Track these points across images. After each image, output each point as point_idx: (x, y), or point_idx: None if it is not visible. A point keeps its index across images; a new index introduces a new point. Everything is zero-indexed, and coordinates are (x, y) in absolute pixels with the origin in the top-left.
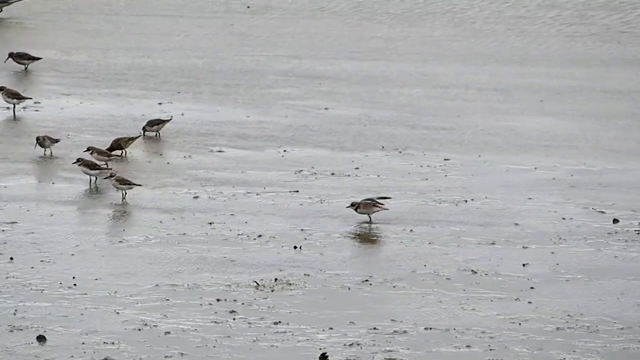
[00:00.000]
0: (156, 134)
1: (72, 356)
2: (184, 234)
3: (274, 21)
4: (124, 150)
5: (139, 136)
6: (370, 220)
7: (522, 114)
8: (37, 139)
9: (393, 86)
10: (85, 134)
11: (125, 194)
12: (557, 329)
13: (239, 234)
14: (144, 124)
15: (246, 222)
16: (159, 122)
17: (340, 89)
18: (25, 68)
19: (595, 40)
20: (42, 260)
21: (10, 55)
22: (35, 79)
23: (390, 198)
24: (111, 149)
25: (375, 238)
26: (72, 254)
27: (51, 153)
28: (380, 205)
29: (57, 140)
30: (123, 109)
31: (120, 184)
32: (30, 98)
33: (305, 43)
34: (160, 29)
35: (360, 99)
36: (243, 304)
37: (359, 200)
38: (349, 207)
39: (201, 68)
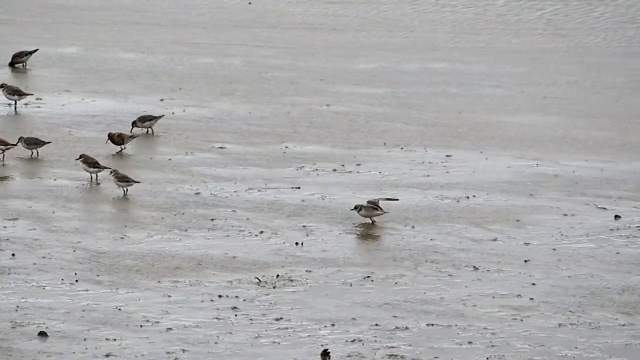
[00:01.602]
0: (147, 130)
1: (73, 352)
2: (186, 230)
3: (278, 24)
4: (123, 146)
5: (137, 136)
6: (373, 222)
7: (524, 111)
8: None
9: (394, 83)
10: (87, 130)
11: (127, 190)
12: (559, 325)
13: (240, 230)
14: (135, 119)
15: (248, 219)
16: (151, 119)
17: (342, 85)
18: (24, 65)
19: (598, 36)
20: (43, 257)
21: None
22: (37, 76)
23: (397, 200)
24: (113, 141)
25: (377, 234)
26: (74, 250)
27: (37, 153)
28: (381, 210)
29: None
30: (124, 105)
31: (120, 181)
32: (32, 94)
33: (307, 41)
34: (162, 26)
35: (361, 95)
36: (245, 300)
37: (364, 201)
38: (352, 209)
39: (203, 64)
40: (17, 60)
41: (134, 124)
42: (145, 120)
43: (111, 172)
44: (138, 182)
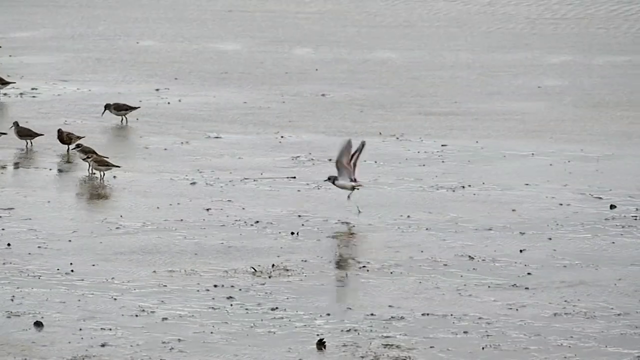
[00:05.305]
0: (122, 119)
1: (69, 342)
2: (181, 220)
3: (274, 11)
4: (70, 146)
5: (83, 137)
6: (349, 197)
7: (519, 100)
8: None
9: (391, 72)
10: (82, 120)
11: (104, 174)
12: (555, 314)
13: (236, 220)
14: (110, 104)
15: (243, 208)
16: (127, 108)
17: (337, 74)
18: None
19: (593, 25)
20: (39, 247)
21: None
22: (32, 64)
23: (364, 142)
24: (61, 140)
25: (372, 224)
26: (70, 240)
27: (31, 144)
28: (357, 182)
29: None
30: (120, 95)
31: (99, 165)
32: (14, 82)
33: (301, 30)
34: (159, 15)
35: (357, 85)
36: (240, 290)
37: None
38: (326, 180)
39: (199, 54)
40: None
41: (107, 107)
42: (120, 109)
43: (87, 157)
44: (118, 167)
